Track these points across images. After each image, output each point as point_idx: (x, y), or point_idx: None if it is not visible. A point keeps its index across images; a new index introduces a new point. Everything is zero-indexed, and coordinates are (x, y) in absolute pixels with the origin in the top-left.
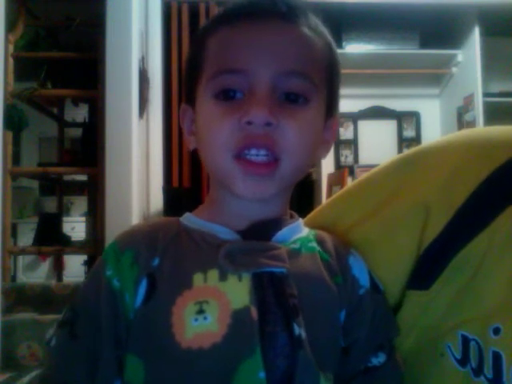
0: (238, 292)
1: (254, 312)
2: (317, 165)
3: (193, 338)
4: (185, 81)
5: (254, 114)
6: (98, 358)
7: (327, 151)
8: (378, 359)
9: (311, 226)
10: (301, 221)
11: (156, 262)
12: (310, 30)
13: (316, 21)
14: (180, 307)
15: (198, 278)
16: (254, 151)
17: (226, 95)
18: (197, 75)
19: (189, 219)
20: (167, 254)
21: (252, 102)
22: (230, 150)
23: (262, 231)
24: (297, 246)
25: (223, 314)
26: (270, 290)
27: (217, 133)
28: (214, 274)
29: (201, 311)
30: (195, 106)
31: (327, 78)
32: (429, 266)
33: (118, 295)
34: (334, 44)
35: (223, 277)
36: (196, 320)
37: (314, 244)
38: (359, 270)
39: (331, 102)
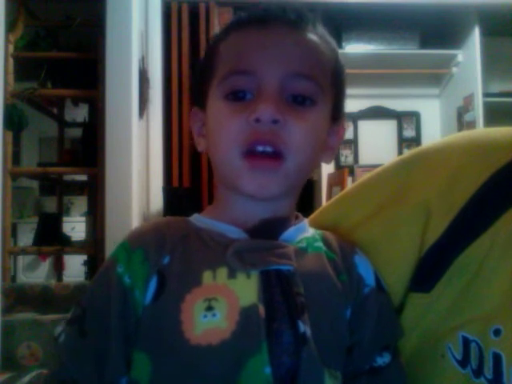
0: (246, 289)
1: (262, 309)
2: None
3: (202, 334)
4: (196, 85)
5: (261, 110)
6: (106, 355)
7: (331, 157)
8: (383, 359)
9: (313, 226)
10: (306, 221)
11: (166, 260)
12: (317, 37)
13: (323, 30)
14: (189, 304)
15: (207, 276)
16: (260, 148)
17: (236, 96)
18: (209, 78)
19: (198, 219)
20: (176, 253)
21: (260, 100)
22: (238, 146)
23: (269, 230)
24: (303, 245)
25: (232, 311)
26: (278, 288)
27: (226, 131)
28: (222, 272)
29: (210, 308)
30: (206, 109)
31: (333, 82)
32: (430, 269)
33: (129, 292)
34: (338, 52)
35: (232, 275)
36: (205, 316)
37: (320, 244)
38: (365, 268)
39: (336, 108)
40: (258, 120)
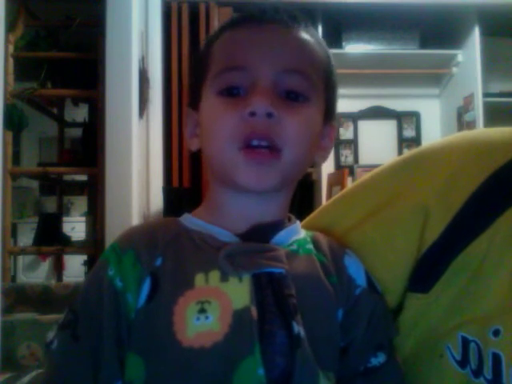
0: (238, 292)
1: (254, 312)
2: (317, 165)
3: (194, 337)
4: (190, 86)
5: (255, 103)
6: (100, 358)
7: (325, 158)
8: (378, 359)
9: (311, 227)
10: (298, 223)
11: (159, 261)
12: (310, 36)
13: (315, 32)
14: (182, 307)
15: (199, 279)
16: (255, 142)
17: (230, 92)
18: (202, 78)
19: (188, 220)
20: (168, 254)
21: (254, 94)
22: (234, 141)
23: (260, 234)
24: (294, 247)
25: (224, 313)
26: (270, 291)
27: (221, 126)
28: (215, 275)
29: (202, 310)
30: (199, 107)
31: (326, 81)
32: (428, 269)
33: (121, 295)
34: (331, 56)
35: (224, 278)
36: (198, 319)
37: (311, 246)
38: (355, 269)
39: (329, 108)
40: (252, 113)
